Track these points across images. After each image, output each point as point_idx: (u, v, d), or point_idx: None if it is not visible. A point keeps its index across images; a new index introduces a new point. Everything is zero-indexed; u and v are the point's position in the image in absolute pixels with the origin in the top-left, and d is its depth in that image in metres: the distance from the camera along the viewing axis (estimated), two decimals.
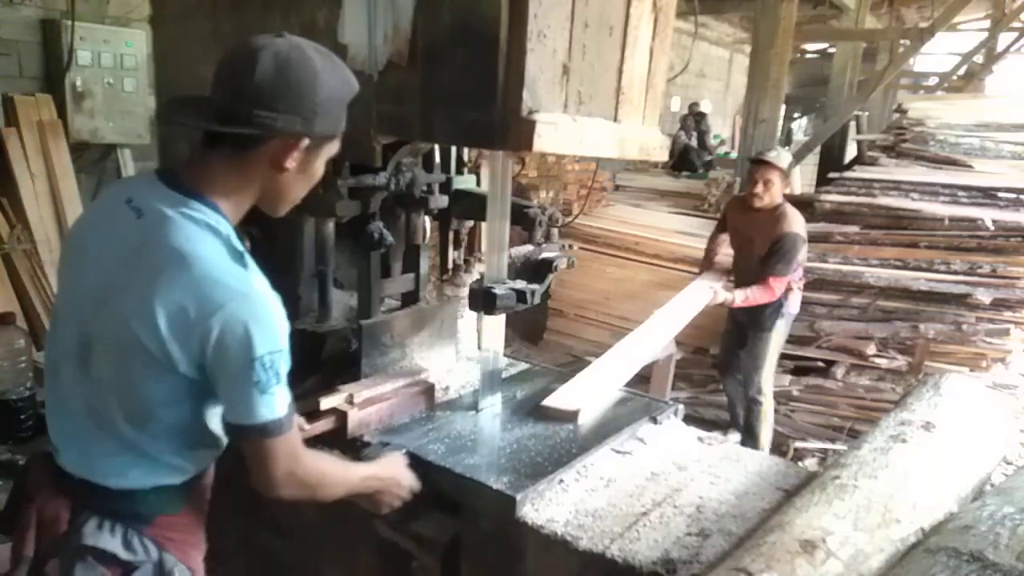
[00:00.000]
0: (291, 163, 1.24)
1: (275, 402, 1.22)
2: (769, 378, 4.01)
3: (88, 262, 1.26)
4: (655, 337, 3.26)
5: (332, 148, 1.33)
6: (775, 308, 3.82)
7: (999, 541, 1.37)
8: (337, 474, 1.45)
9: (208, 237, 1.20)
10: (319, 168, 1.33)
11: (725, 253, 4.23)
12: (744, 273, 3.88)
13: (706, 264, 4.25)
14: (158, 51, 2.18)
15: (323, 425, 1.78)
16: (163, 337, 1.16)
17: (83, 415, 1.28)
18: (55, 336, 1.33)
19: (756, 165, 3.77)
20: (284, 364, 1.23)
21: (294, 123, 1.20)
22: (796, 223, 3.69)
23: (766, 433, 4.03)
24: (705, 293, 3.71)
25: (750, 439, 3.95)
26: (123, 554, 1.27)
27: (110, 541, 1.27)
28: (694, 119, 10.63)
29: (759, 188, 3.68)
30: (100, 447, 1.28)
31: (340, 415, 1.81)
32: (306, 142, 1.24)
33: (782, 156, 3.79)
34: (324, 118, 1.24)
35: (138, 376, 1.21)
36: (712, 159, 10.34)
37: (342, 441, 1.79)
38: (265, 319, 1.19)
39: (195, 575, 1.38)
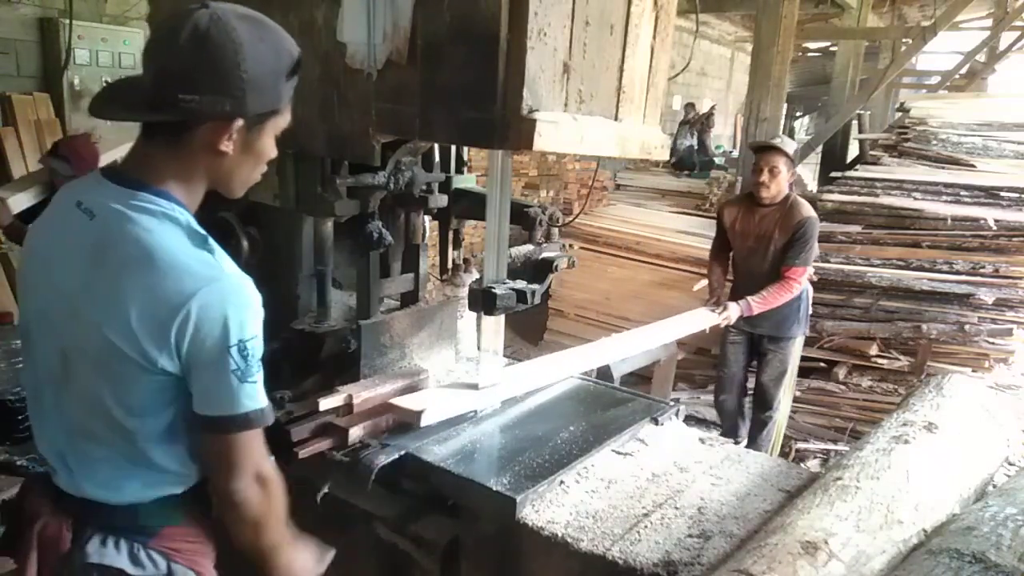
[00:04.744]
0: (227, 146, 1.16)
1: (257, 391, 1.17)
2: (789, 391, 3.72)
3: (50, 276, 1.20)
4: (610, 351, 2.84)
5: (280, 123, 1.23)
6: (799, 310, 3.52)
7: (1001, 542, 1.36)
8: (282, 507, 1.30)
9: (167, 226, 1.13)
10: (267, 145, 1.23)
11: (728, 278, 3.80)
12: (755, 279, 3.48)
13: (712, 295, 3.70)
14: None
15: (323, 445, 1.76)
16: (138, 337, 1.10)
17: (72, 434, 1.23)
18: (31, 359, 1.27)
19: (761, 152, 3.45)
20: (259, 351, 1.17)
21: (222, 104, 1.11)
22: (811, 210, 3.43)
23: (774, 451, 3.80)
24: (706, 316, 3.33)
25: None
26: (131, 569, 1.23)
27: (116, 557, 1.23)
28: (701, 118, 10.71)
29: (764, 176, 3.37)
30: (94, 464, 1.23)
31: (340, 432, 1.80)
32: (240, 123, 1.14)
33: (787, 142, 3.46)
34: (257, 95, 1.13)
35: (121, 383, 1.15)
36: (711, 159, 10.38)
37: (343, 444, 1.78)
38: (241, 303, 1.13)
39: None
